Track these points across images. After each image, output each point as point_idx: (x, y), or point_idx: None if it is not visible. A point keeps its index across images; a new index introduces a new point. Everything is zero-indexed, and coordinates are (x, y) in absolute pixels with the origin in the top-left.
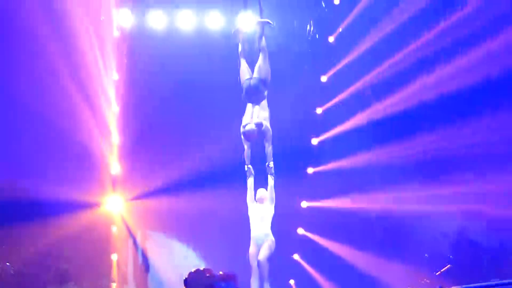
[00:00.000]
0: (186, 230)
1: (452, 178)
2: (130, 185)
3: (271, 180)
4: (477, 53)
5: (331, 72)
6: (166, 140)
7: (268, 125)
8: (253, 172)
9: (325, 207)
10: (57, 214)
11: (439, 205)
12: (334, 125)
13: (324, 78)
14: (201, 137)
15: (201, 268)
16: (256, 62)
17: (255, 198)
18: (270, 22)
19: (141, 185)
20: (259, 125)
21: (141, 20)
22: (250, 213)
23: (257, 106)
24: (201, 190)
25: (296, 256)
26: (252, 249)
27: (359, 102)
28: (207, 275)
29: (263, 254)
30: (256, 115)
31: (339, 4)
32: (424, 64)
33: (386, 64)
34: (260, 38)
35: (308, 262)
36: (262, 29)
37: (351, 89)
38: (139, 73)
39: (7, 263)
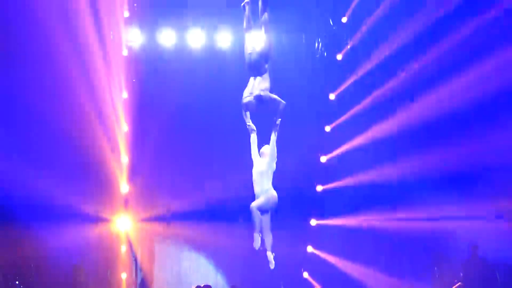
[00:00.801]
0: (193, 255)
1: (464, 194)
2: (140, 206)
3: (273, 136)
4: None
5: (339, 90)
6: (175, 158)
7: (268, 92)
8: (255, 128)
9: (334, 225)
10: (68, 223)
11: (450, 222)
12: (342, 143)
13: (332, 96)
14: (211, 157)
15: (201, 285)
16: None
17: (259, 153)
18: None
19: (150, 206)
20: (257, 98)
21: (150, 38)
22: (253, 169)
23: (258, 78)
24: (208, 216)
25: (305, 274)
26: None
27: (368, 119)
28: None
29: (256, 202)
30: (256, 88)
31: (346, 22)
32: (433, 79)
33: (394, 80)
34: (262, 12)
35: (317, 280)
36: (264, 3)
37: (360, 106)
38: (148, 92)
39: (16, 282)
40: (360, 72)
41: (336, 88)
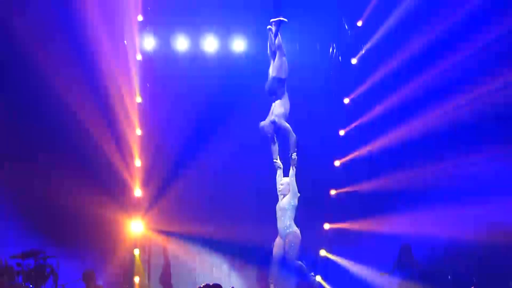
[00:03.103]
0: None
1: (475, 202)
2: (153, 213)
3: (292, 171)
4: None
5: (354, 94)
6: (188, 163)
7: (282, 120)
8: (281, 165)
9: (348, 229)
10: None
11: (462, 228)
12: (356, 147)
13: (346, 100)
14: (226, 164)
15: (210, 284)
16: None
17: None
18: (284, 19)
19: (163, 216)
20: (273, 122)
21: (165, 43)
22: (277, 205)
23: (277, 103)
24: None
25: (318, 278)
26: (277, 240)
27: (382, 123)
28: None
29: (290, 254)
30: (274, 113)
31: (362, 26)
32: (450, 84)
33: (410, 85)
34: (275, 36)
35: (330, 284)
36: (277, 27)
37: (374, 111)
38: (162, 96)
39: (31, 286)
40: (375, 76)
41: (351, 93)
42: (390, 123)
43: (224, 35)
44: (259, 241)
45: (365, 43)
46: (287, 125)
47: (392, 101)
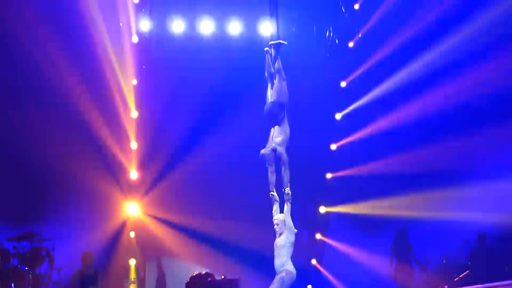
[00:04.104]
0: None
1: (472, 184)
2: (150, 198)
3: (286, 207)
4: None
5: (350, 78)
6: (185, 147)
7: (283, 149)
8: (277, 198)
9: (344, 213)
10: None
11: (459, 212)
12: (353, 131)
13: (343, 84)
14: (221, 145)
15: (203, 272)
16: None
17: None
18: (284, 42)
19: (159, 201)
20: (274, 150)
21: (160, 25)
22: (274, 242)
23: (276, 129)
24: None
25: (313, 261)
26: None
27: (379, 107)
28: (209, 279)
29: (272, 286)
30: (273, 140)
31: (359, 9)
32: (447, 68)
33: (406, 70)
34: (275, 60)
35: (326, 267)
36: (277, 50)
37: (371, 95)
38: (158, 79)
39: (26, 268)
40: (372, 60)
41: (348, 76)
42: (387, 106)
43: (220, 17)
44: (254, 238)
45: (362, 26)
46: (286, 157)
47: (389, 84)
